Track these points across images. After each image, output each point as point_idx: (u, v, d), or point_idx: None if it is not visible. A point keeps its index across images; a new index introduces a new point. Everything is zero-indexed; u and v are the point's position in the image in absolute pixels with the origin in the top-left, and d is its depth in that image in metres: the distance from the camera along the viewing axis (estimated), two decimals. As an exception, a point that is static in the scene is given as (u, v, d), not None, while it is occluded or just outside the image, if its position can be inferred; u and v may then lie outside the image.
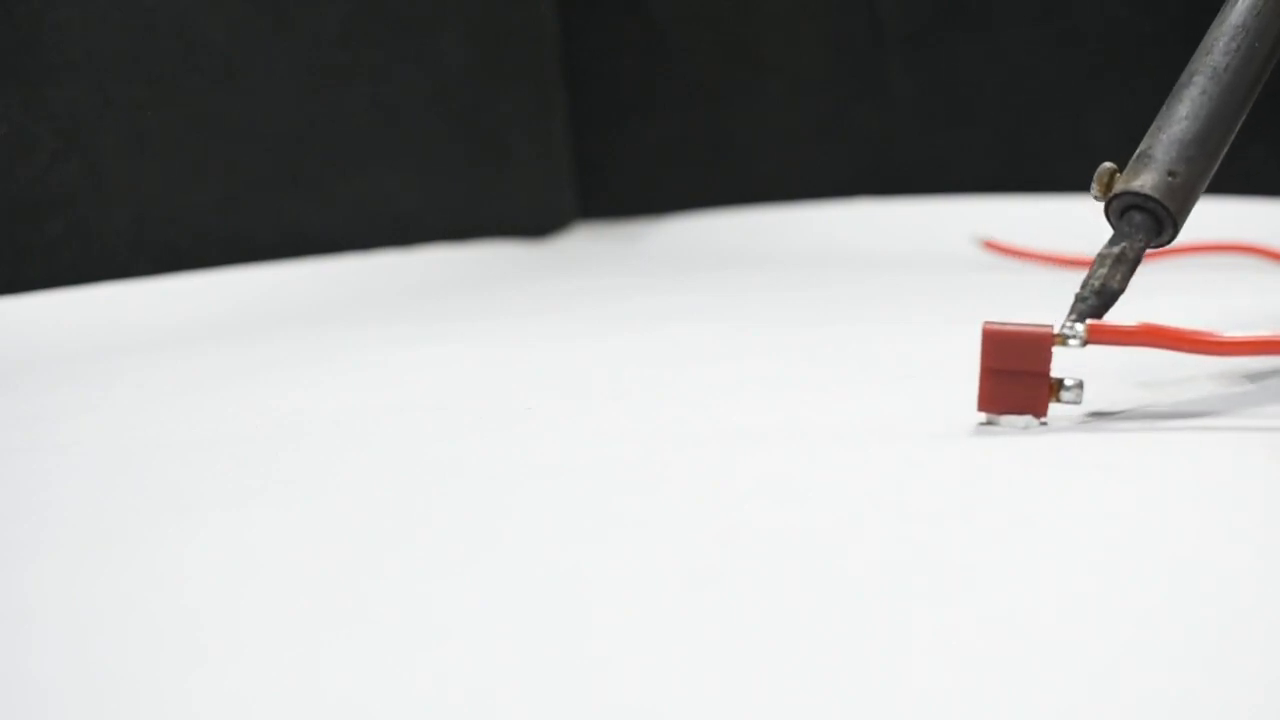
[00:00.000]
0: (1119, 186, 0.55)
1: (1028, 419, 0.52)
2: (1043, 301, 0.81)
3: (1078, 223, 1.26)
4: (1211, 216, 1.14)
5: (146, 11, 1.18)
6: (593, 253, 1.56)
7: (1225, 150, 0.56)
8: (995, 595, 0.36)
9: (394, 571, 0.41)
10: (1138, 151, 0.56)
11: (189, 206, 1.22)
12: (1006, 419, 0.52)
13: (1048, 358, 0.51)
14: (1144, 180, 0.54)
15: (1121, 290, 0.53)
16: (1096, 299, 0.53)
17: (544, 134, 1.67)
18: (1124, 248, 0.54)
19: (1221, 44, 0.56)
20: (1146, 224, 0.54)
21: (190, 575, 0.41)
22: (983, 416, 0.53)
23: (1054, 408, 0.54)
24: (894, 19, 1.46)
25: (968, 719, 0.29)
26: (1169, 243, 0.56)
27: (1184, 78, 0.56)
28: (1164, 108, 0.56)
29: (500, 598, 0.38)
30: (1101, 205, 0.56)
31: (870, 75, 1.49)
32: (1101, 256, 0.54)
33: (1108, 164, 0.55)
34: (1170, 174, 0.54)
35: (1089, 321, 0.51)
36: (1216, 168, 0.56)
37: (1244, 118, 0.56)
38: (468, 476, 0.51)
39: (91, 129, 1.13)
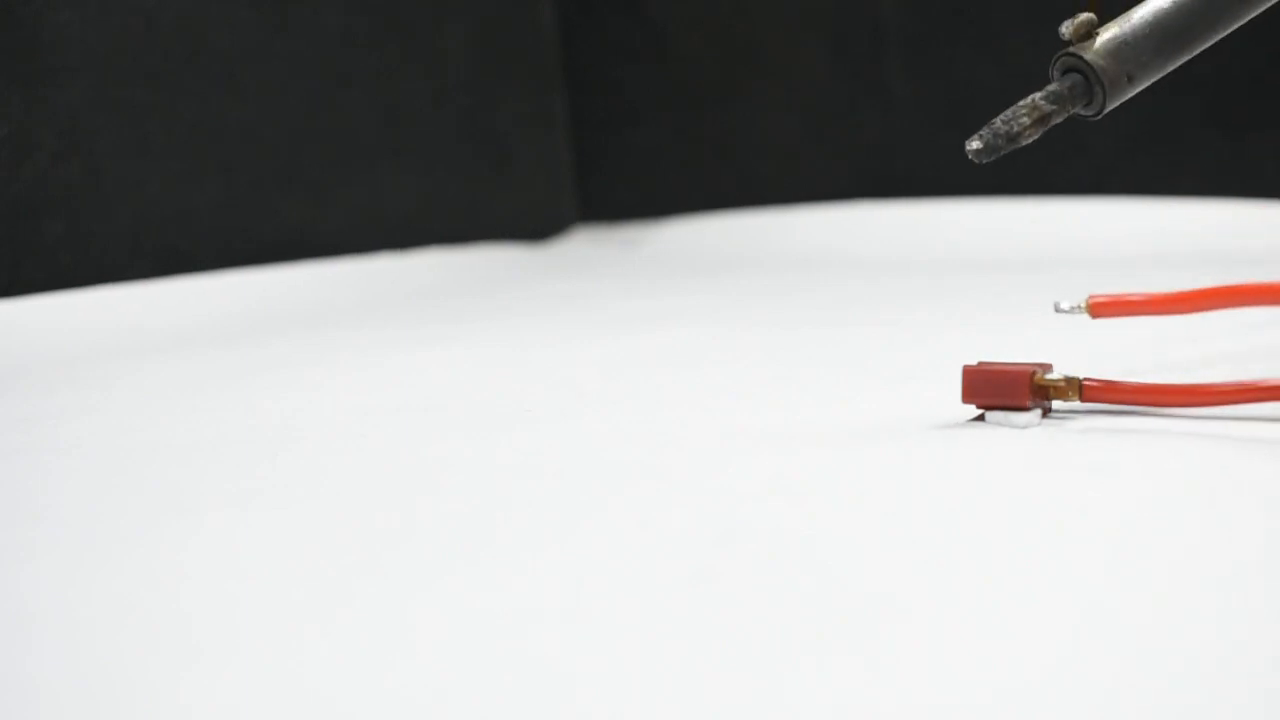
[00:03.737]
0: (1074, 46, 0.54)
1: (1029, 417, 0.52)
2: (1041, 305, 0.80)
3: (1078, 224, 1.26)
4: (1213, 217, 1.14)
5: (147, 12, 1.18)
6: (592, 256, 1.56)
7: (1190, 55, 0.55)
8: (996, 595, 0.35)
9: (391, 572, 0.40)
10: (1115, 21, 0.55)
11: (189, 208, 1.22)
12: (1007, 417, 0.52)
13: (1025, 395, 0.52)
14: (1099, 50, 0.54)
15: (1028, 138, 0.53)
16: (1003, 140, 0.52)
17: (543, 137, 1.67)
18: (1045, 100, 0.53)
19: None
20: (1080, 91, 0.54)
21: (187, 575, 0.41)
22: (972, 411, 0.53)
23: (1055, 406, 0.54)
24: (894, 21, 1.46)
25: (967, 718, 0.28)
26: (1094, 118, 0.55)
27: None
28: None
29: (498, 598, 0.38)
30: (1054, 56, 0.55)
31: (870, 77, 1.49)
32: (1025, 102, 0.53)
33: (1092, 16, 0.54)
34: (1126, 55, 0.54)
35: (1085, 381, 0.52)
36: (1174, 67, 0.55)
37: (1222, 34, 0.56)
38: (466, 478, 0.51)
39: (91, 130, 1.13)
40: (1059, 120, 0.54)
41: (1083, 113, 0.54)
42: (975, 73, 1.42)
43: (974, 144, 0.52)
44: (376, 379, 0.75)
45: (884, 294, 1.04)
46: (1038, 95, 0.53)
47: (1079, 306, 0.53)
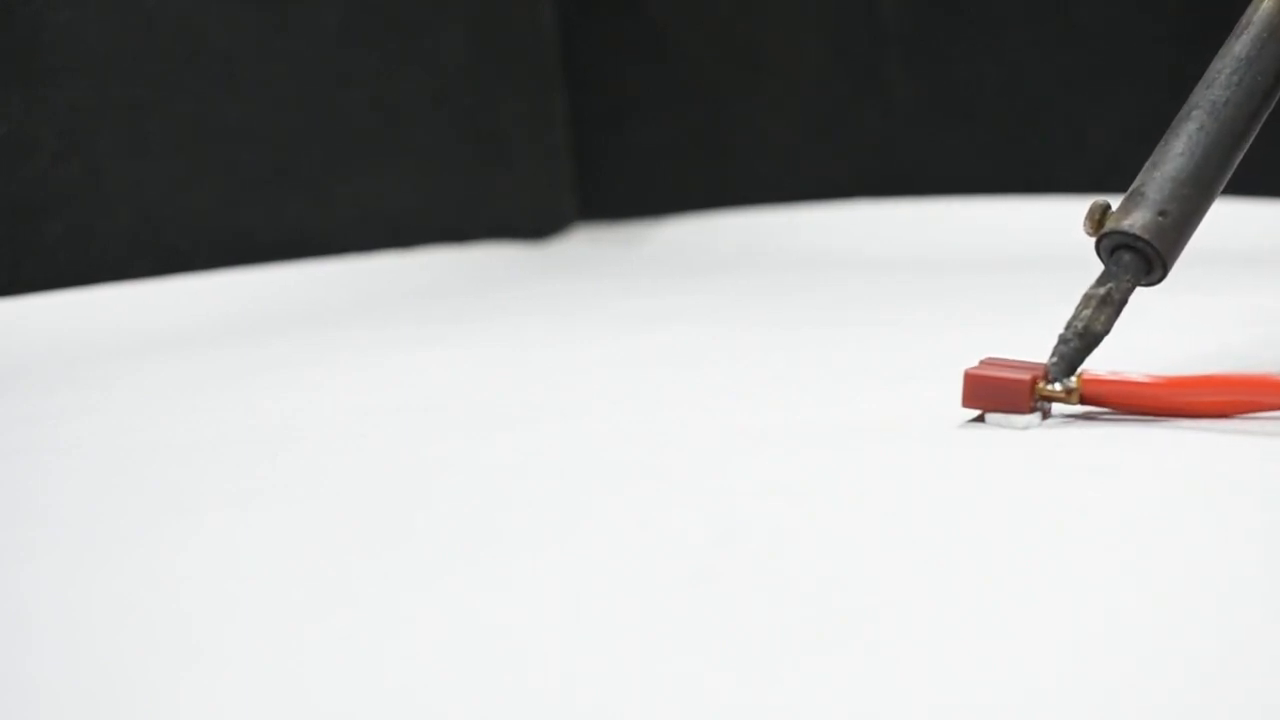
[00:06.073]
0: (1109, 225, 0.54)
1: (1029, 419, 0.52)
2: (1041, 305, 0.80)
3: (1078, 224, 1.26)
4: (1212, 217, 1.14)
5: (146, 12, 1.18)
6: (592, 254, 1.55)
7: (1220, 188, 0.55)
8: (996, 595, 0.35)
9: (391, 572, 0.40)
10: (1131, 188, 0.55)
11: (189, 207, 1.22)
12: (1007, 418, 0.52)
13: (1026, 403, 0.52)
14: (1134, 219, 0.54)
15: (1105, 333, 0.53)
16: (1079, 341, 0.53)
17: (543, 136, 1.67)
18: (1110, 289, 0.53)
19: (1223, 77, 0.55)
20: (1135, 264, 0.54)
21: (187, 576, 0.41)
22: (972, 412, 0.53)
23: (1056, 406, 0.54)
24: (894, 19, 1.46)
25: (967, 718, 0.29)
26: (1158, 283, 0.55)
27: (1184, 111, 0.56)
28: (1161, 142, 0.55)
29: (498, 598, 0.38)
30: (1093, 241, 0.55)
31: (870, 76, 1.49)
32: (1087, 297, 0.53)
33: (1100, 200, 0.55)
34: (1161, 213, 0.53)
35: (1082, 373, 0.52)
36: (1211, 206, 0.56)
37: (1243, 154, 0.56)
38: (465, 478, 0.51)
39: (91, 129, 1.13)
40: (1127, 300, 0.54)
41: (1144, 283, 0.54)
42: (975, 72, 1.42)
43: (1055, 365, 0.52)
44: (376, 379, 0.75)
45: (884, 294, 1.04)
46: (1099, 287, 0.54)
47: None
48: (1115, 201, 0.55)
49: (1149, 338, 0.69)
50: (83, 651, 0.35)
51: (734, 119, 1.61)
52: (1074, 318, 0.53)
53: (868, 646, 0.32)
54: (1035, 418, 0.52)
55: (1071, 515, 0.42)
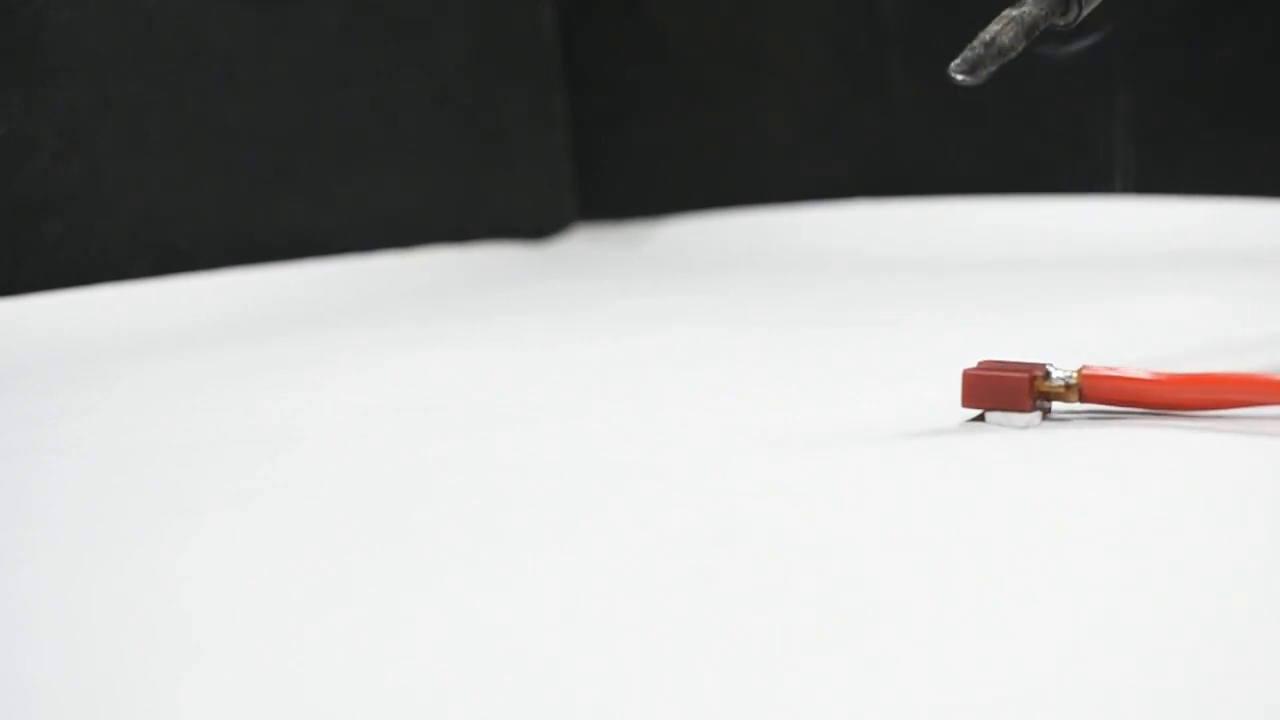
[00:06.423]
0: None
1: (1029, 418, 0.52)
2: (1042, 307, 0.80)
3: (1078, 224, 1.26)
4: (1212, 217, 1.14)
5: (147, 12, 1.18)
6: (592, 255, 1.55)
7: None
8: (996, 595, 0.35)
9: (391, 572, 0.40)
10: None
11: (189, 207, 1.22)
12: (1007, 417, 0.52)
13: (1027, 401, 0.52)
14: None
15: (1010, 48, 0.54)
16: (984, 49, 0.53)
17: (543, 136, 1.67)
18: (1025, 10, 0.54)
19: None
20: (1055, 1, 0.55)
21: (187, 576, 0.41)
22: (972, 412, 0.53)
23: (1056, 406, 0.54)
24: (894, 19, 1.46)
25: (967, 718, 0.29)
26: (1072, 24, 0.56)
27: None
28: None
29: (498, 598, 0.38)
30: None
31: (870, 76, 1.49)
32: (1002, 16, 0.54)
33: None
34: None
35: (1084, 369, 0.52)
36: None
37: None
38: (466, 478, 0.51)
39: (91, 129, 1.13)
40: (1040, 30, 0.54)
41: (1058, 22, 0.55)
42: (975, 72, 1.41)
43: (957, 65, 0.52)
44: (376, 379, 0.75)
45: (884, 294, 1.04)
46: (1013, 10, 0.54)
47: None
48: None
49: (1149, 337, 0.70)
50: (83, 651, 0.35)
51: (734, 119, 1.61)
52: (984, 30, 0.54)
53: (868, 646, 0.32)
54: (1035, 417, 0.52)
55: (1071, 515, 0.42)
